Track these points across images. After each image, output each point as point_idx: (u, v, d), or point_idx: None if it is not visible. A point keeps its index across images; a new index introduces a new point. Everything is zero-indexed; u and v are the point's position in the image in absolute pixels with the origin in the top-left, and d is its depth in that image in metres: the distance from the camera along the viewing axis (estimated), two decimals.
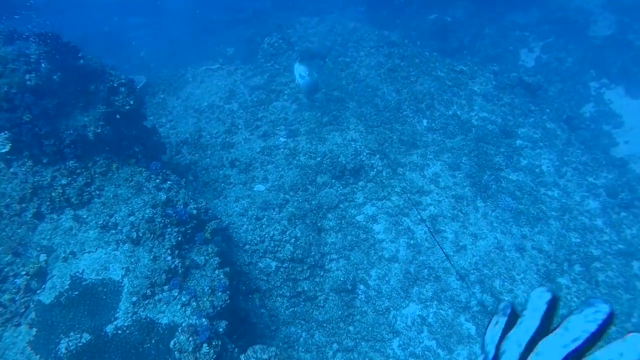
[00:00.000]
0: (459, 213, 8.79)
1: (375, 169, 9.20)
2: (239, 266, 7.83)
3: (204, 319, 5.19)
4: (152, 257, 5.77)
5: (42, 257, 6.15)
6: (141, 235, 5.94)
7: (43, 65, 5.71)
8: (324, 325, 7.65)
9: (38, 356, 5.26)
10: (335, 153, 9.15)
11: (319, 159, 9.06)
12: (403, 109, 11.39)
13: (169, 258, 5.82)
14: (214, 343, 4.98)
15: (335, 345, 7.53)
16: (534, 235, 8.63)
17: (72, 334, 5.34)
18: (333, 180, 8.96)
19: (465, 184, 9.30)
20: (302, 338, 7.62)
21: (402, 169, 9.44)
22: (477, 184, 9.32)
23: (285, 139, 9.48)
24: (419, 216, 8.52)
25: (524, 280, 7.93)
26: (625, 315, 7.88)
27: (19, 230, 6.40)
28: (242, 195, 8.45)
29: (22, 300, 5.81)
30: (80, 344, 5.25)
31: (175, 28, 20.35)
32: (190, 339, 4.85)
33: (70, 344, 5.23)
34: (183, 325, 5.20)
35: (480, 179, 9.39)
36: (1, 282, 6.16)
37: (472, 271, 8.03)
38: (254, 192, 8.49)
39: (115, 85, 6.60)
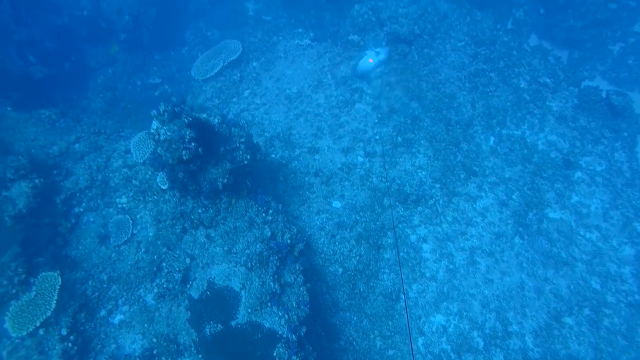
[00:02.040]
0: (497, 248, 10.53)
1: (433, 199, 10.83)
2: (314, 265, 10.49)
3: (294, 335, 8.03)
4: (261, 282, 8.48)
5: (187, 260, 9.09)
6: (253, 264, 8.58)
7: (193, 144, 7.78)
8: (371, 317, 10.42)
9: (193, 330, 8.52)
10: (403, 181, 10.80)
11: (388, 183, 10.80)
12: (474, 124, 12.22)
13: (272, 284, 8.51)
14: (299, 354, 7.89)
15: (376, 332, 10.39)
16: (556, 279, 10.32)
17: (211, 322, 8.44)
18: (397, 203, 10.81)
19: (509, 221, 10.77)
20: (353, 321, 10.51)
21: (457, 198, 10.98)
22: (519, 223, 10.75)
23: (363, 159, 11.14)
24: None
25: (533, 317, 9.99)
26: (613, 357, 9.87)
27: (171, 236, 9.29)
28: (322, 209, 10.67)
29: (180, 289, 8.95)
30: (217, 331, 8.36)
31: None
32: (285, 351, 7.76)
33: (212, 329, 8.35)
34: (281, 334, 8.11)
35: (524, 219, 10.77)
36: (161, 265, 9.33)
37: (492, 300, 10.15)
38: (332, 208, 10.66)
39: (237, 145, 8.58)
